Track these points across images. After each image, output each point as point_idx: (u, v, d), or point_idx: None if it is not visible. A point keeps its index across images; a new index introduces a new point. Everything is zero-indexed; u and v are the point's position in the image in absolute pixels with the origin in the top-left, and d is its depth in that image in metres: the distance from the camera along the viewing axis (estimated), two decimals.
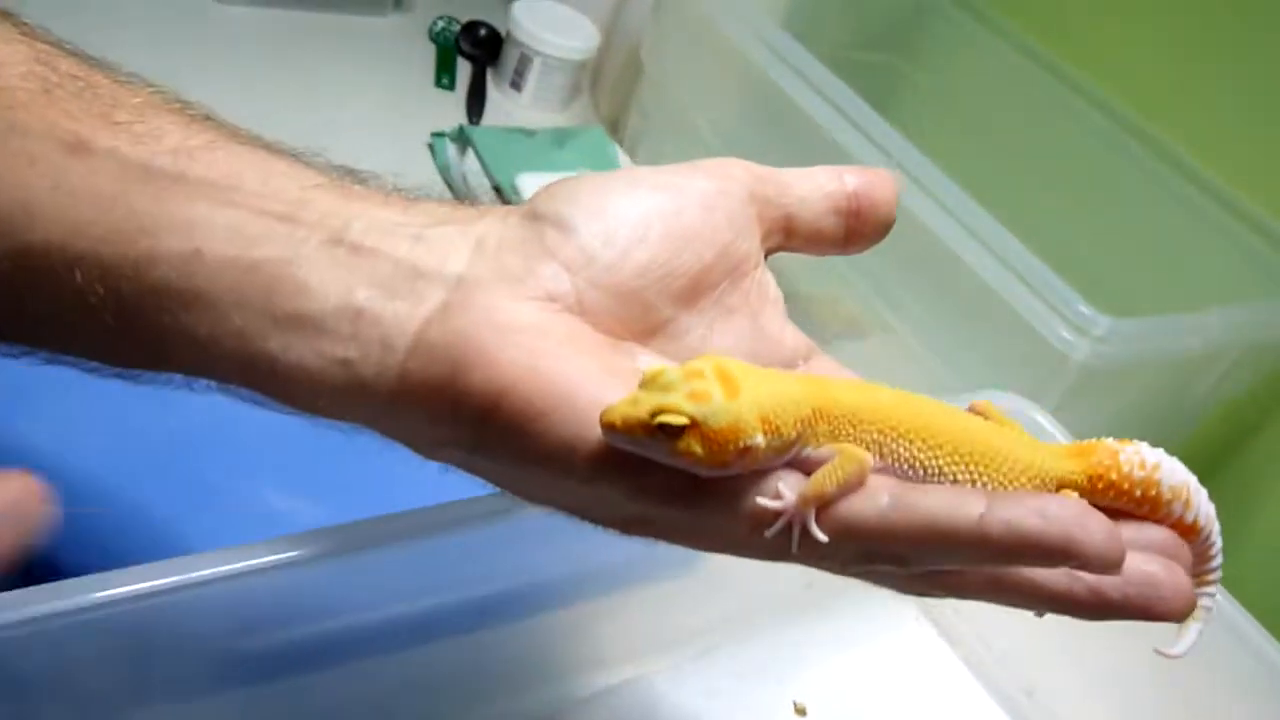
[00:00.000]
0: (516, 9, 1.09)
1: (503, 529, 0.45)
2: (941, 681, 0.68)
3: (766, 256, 0.41)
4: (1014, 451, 0.36)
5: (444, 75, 1.10)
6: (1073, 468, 0.37)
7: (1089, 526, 0.31)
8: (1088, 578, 0.34)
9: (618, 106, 1.13)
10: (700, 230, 0.38)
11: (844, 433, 0.34)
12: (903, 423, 0.35)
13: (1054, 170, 1.06)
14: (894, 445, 0.35)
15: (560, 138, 1.00)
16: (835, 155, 0.82)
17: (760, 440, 0.32)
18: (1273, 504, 0.98)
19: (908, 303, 0.82)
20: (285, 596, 0.44)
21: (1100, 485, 0.37)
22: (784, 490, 0.33)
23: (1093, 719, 0.66)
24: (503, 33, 1.12)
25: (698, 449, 0.31)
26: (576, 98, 1.15)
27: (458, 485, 0.39)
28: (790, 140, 0.88)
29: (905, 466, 0.35)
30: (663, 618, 0.61)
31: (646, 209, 0.38)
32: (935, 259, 0.76)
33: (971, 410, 0.39)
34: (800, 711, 0.62)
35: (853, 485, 0.33)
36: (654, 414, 0.31)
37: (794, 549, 0.33)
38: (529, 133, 1.00)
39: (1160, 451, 0.37)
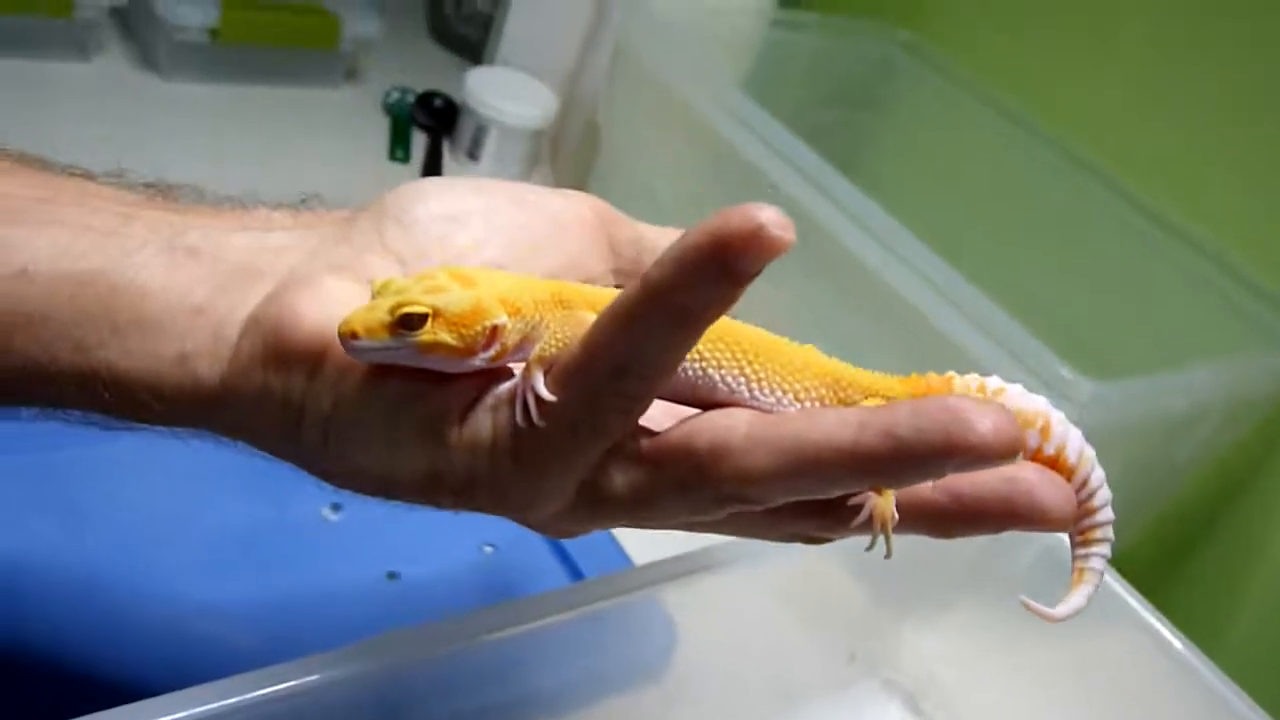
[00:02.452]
0: (472, 77, 1.07)
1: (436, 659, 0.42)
2: None
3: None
4: (816, 361, 0.34)
5: (399, 148, 1.08)
6: (893, 382, 0.35)
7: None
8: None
9: (578, 174, 1.10)
10: (548, 241, 0.38)
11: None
12: None
13: (1027, 226, 1.04)
14: None
15: None
16: (798, 218, 0.79)
17: (505, 320, 0.31)
18: (1266, 561, 0.95)
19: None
20: None
21: None
22: (516, 370, 0.32)
23: None
24: (459, 103, 1.10)
25: (446, 336, 0.31)
26: (535, 167, 1.12)
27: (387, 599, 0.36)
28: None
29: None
30: None
31: (495, 219, 0.38)
32: (905, 323, 0.73)
33: None
34: None
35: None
36: (394, 310, 0.30)
37: (535, 419, 0.31)
38: None
39: (1018, 386, 0.34)
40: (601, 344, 0.30)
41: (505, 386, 0.32)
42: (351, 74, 1.14)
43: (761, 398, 0.33)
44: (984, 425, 0.28)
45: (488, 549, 0.64)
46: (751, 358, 0.33)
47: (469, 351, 0.31)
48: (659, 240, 0.41)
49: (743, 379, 0.33)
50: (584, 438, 0.31)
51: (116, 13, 1.02)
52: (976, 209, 1.07)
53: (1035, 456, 0.33)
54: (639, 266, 0.40)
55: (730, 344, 0.33)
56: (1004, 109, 1.05)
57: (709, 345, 0.33)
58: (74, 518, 0.58)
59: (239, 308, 0.35)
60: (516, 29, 1.12)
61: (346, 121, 1.10)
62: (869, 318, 0.79)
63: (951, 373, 0.35)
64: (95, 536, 0.58)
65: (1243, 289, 0.90)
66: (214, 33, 1.00)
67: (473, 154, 1.08)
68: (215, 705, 0.38)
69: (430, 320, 0.31)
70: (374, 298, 0.31)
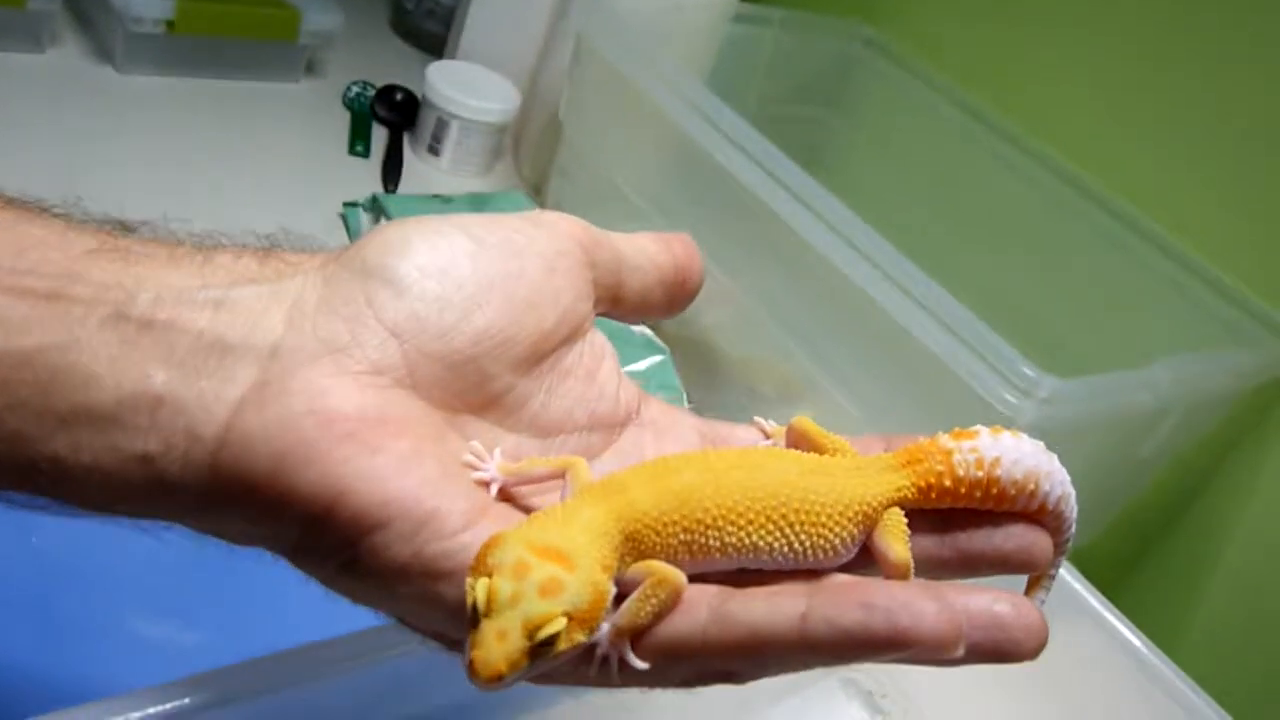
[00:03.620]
0: (433, 71, 1.06)
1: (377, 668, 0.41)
2: None
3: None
4: (831, 490, 0.33)
5: (358, 142, 1.06)
6: (902, 482, 0.34)
7: (916, 609, 0.28)
8: None
9: (540, 169, 1.09)
10: (542, 294, 0.35)
11: (649, 543, 0.32)
12: (707, 511, 0.32)
13: (989, 221, 1.04)
14: (703, 539, 0.32)
15: (478, 203, 0.97)
16: (761, 214, 0.79)
17: (614, 587, 0.30)
18: (1226, 559, 0.95)
19: (842, 365, 0.78)
20: None
21: (935, 494, 0.35)
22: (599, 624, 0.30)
23: None
24: (420, 97, 1.09)
25: (580, 635, 0.29)
26: (497, 161, 1.11)
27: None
28: (715, 200, 0.85)
29: (719, 556, 0.32)
30: None
31: (487, 270, 0.34)
32: (869, 320, 0.73)
33: (790, 432, 0.37)
34: None
35: (668, 609, 0.31)
36: (532, 634, 0.28)
37: (615, 682, 0.31)
38: (446, 199, 0.96)
39: (1004, 440, 0.35)
40: (726, 650, 0.30)
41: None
42: (311, 67, 1.13)
43: (800, 560, 0.33)
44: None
45: None
46: (795, 524, 0.33)
47: (593, 634, 0.30)
48: (636, 257, 0.39)
49: (788, 548, 0.33)
50: (650, 686, 0.31)
51: (71, 3, 1.01)
52: (939, 205, 1.07)
53: (1025, 510, 0.35)
54: (618, 291, 0.39)
55: (779, 519, 0.33)
56: (966, 105, 1.05)
57: (762, 530, 0.32)
58: (21, 515, 0.56)
59: (213, 402, 0.31)
60: (478, 23, 1.11)
61: (306, 115, 1.09)
62: (830, 313, 0.78)
63: (945, 440, 0.36)
64: (41, 536, 0.56)
65: (1205, 286, 0.90)
66: (170, 24, 0.98)
67: (434, 148, 1.07)
68: (153, 710, 0.37)
69: (565, 627, 0.29)
70: (483, 616, 0.29)
